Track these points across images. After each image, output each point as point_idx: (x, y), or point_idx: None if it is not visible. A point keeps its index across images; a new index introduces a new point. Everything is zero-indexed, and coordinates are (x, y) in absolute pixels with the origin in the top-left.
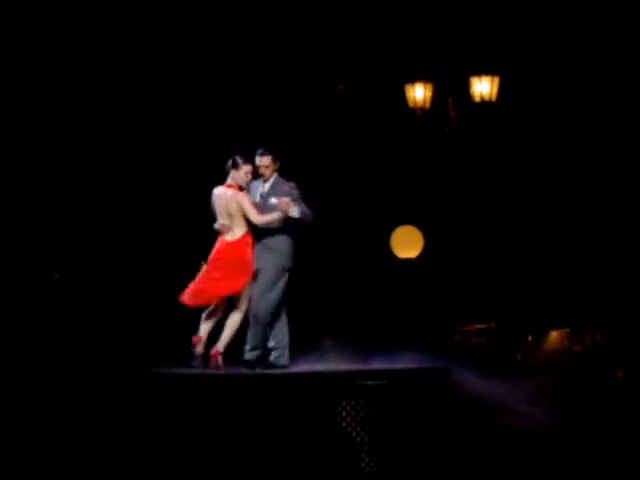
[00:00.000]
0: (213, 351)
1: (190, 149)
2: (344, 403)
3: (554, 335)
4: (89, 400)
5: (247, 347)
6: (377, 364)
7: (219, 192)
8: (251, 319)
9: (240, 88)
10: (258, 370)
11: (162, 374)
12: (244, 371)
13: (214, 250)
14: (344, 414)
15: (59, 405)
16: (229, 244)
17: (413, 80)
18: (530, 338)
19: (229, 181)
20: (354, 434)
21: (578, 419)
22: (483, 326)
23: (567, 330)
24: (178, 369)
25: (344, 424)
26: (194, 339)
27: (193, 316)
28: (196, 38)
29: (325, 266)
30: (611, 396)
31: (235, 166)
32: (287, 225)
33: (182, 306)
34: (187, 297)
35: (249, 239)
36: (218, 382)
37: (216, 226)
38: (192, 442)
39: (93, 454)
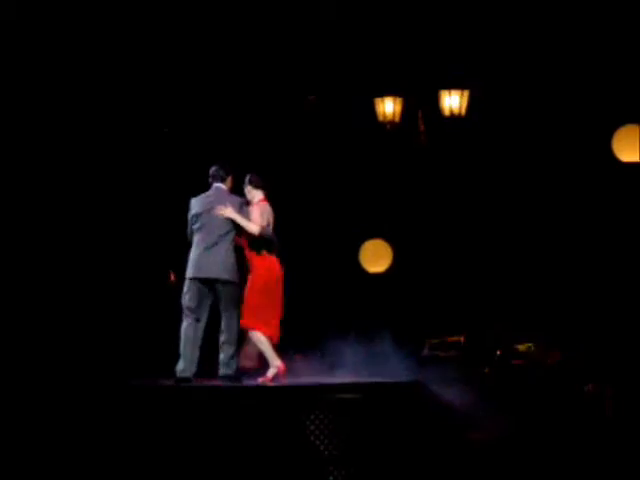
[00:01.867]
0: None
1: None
2: (312, 417)
3: (523, 349)
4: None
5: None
6: (346, 378)
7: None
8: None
9: (208, 101)
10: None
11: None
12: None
13: (279, 273)
14: (312, 427)
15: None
16: None
17: (383, 94)
18: (499, 352)
19: (263, 197)
20: (322, 447)
21: (547, 432)
22: (452, 339)
23: (537, 344)
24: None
25: (312, 437)
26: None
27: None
28: (167, 51)
29: (294, 280)
30: (581, 410)
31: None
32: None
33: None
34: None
35: None
36: (189, 395)
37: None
38: (158, 456)
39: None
